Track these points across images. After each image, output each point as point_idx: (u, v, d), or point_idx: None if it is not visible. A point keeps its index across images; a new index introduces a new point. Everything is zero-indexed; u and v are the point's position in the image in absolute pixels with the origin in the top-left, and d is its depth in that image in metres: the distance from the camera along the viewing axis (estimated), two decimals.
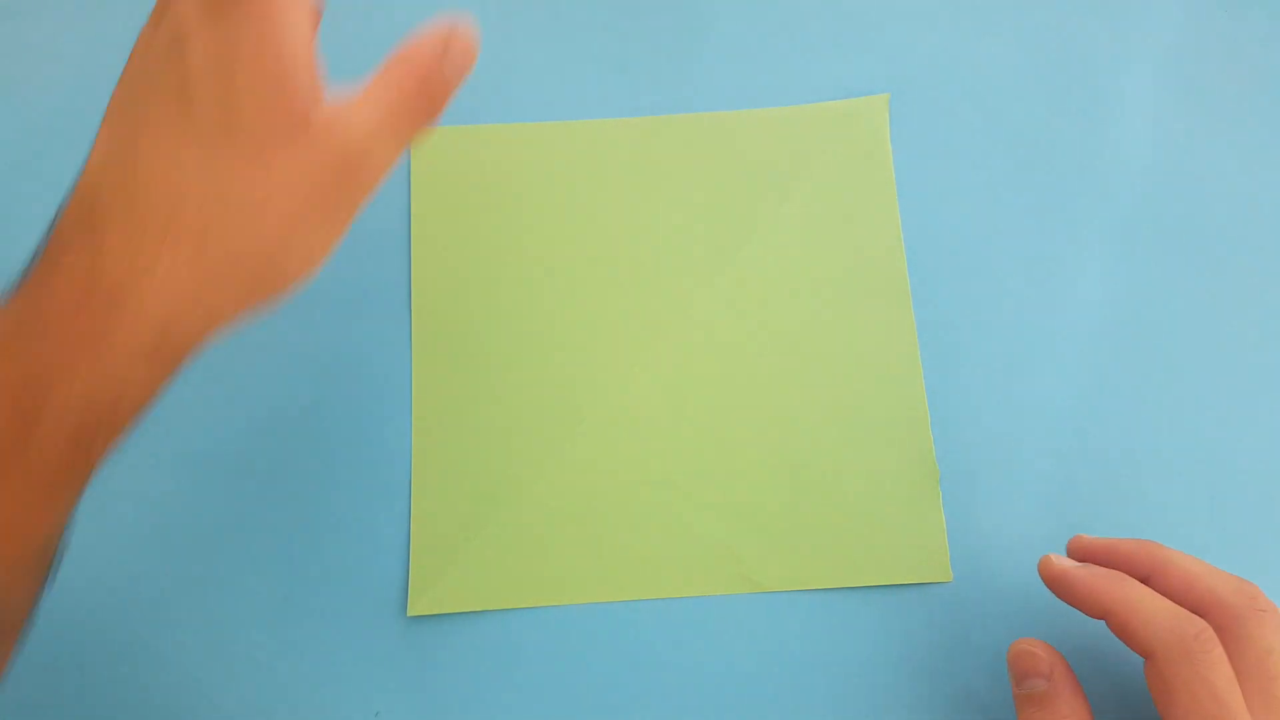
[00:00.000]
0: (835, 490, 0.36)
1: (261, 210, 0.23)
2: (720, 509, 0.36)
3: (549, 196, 0.40)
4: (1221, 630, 0.28)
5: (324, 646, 0.35)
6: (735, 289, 0.39)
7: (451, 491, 0.36)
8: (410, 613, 0.35)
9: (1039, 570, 0.31)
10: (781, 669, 0.35)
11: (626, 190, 0.40)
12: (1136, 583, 0.29)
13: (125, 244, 0.22)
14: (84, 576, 0.36)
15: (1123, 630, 0.29)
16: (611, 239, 0.39)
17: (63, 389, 0.21)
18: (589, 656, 0.35)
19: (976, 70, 0.42)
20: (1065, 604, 0.31)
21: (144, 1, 0.43)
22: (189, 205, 0.23)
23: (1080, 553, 0.32)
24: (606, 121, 0.41)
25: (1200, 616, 0.28)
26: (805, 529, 0.36)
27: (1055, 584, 0.31)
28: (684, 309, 0.38)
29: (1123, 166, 0.40)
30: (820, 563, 0.36)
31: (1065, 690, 0.29)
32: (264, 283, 0.24)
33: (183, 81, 0.23)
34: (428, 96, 0.26)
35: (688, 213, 0.40)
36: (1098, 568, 0.30)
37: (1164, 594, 0.29)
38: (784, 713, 0.34)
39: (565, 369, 0.38)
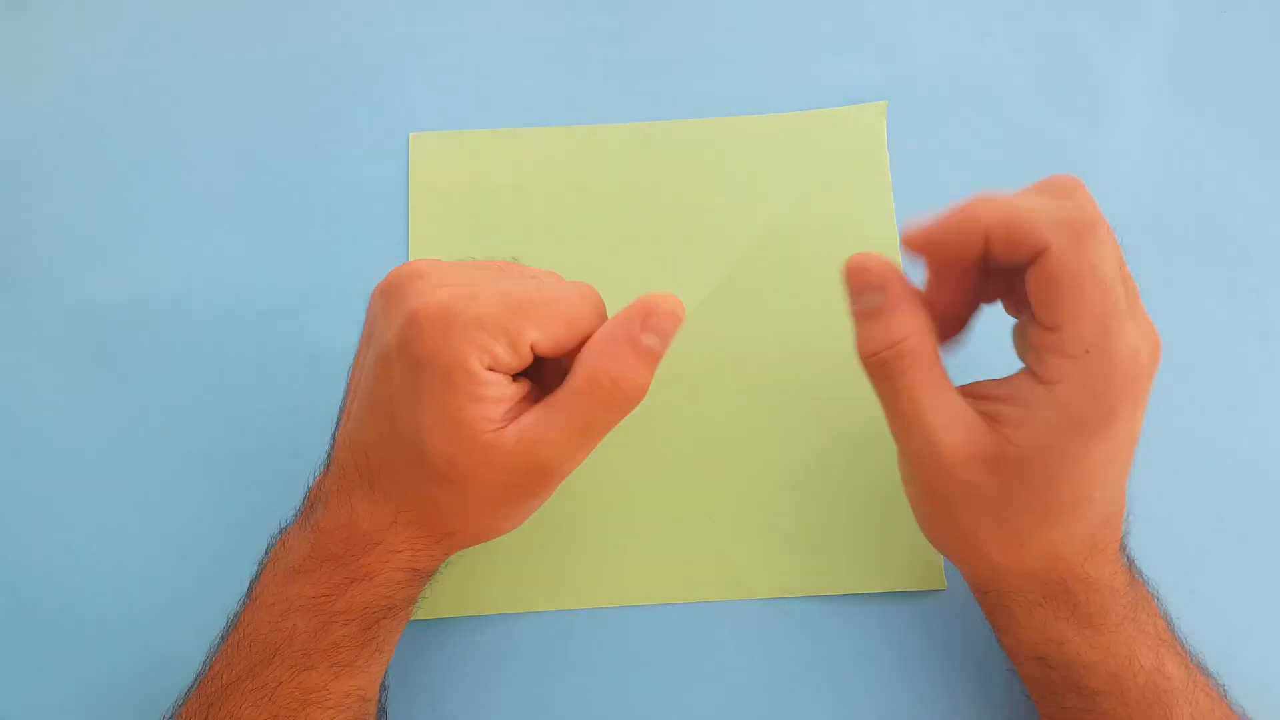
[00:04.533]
0: (830, 498, 0.36)
1: (464, 510, 0.28)
2: (715, 516, 0.36)
3: (546, 202, 0.40)
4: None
5: None
6: (732, 295, 0.39)
7: None
8: (410, 617, 0.35)
9: (904, 243, 0.27)
10: (776, 675, 0.35)
11: (624, 196, 0.40)
12: (1002, 191, 0.27)
13: (370, 513, 0.28)
14: (84, 576, 0.36)
15: (1009, 238, 0.25)
16: (608, 244, 0.39)
17: (347, 600, 0.28)
18: (585, 661, 0.35)
19: (974, 74, 0.42)
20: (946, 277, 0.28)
21: (144, 1, 0.43)
22: (409, 504, 0.28)
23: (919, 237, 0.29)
24: (604, 127, 0.41)
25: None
26: (800, 536, 0.36)
27: (924, 242, 0.27)
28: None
29: (1120, 168, 0.41)
30: (815, 570, 0.36)
31: (905, 303, 0.27)
32: (478, 540, 0.30)
33: (390, 404, 0.27)
34: (614, 410, 0.27)
35: (684, 219, 0.40)
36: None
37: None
38: (778, 719, 0.34)
39: None
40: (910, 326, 0.27)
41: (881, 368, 0.27)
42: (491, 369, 0.26)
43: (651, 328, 0.27)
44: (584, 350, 0.27)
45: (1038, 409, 0.26)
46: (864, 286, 0.27)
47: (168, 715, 0.29)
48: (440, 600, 0.35)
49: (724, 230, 0.40)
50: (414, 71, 0.42)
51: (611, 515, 0.36)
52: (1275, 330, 0.38)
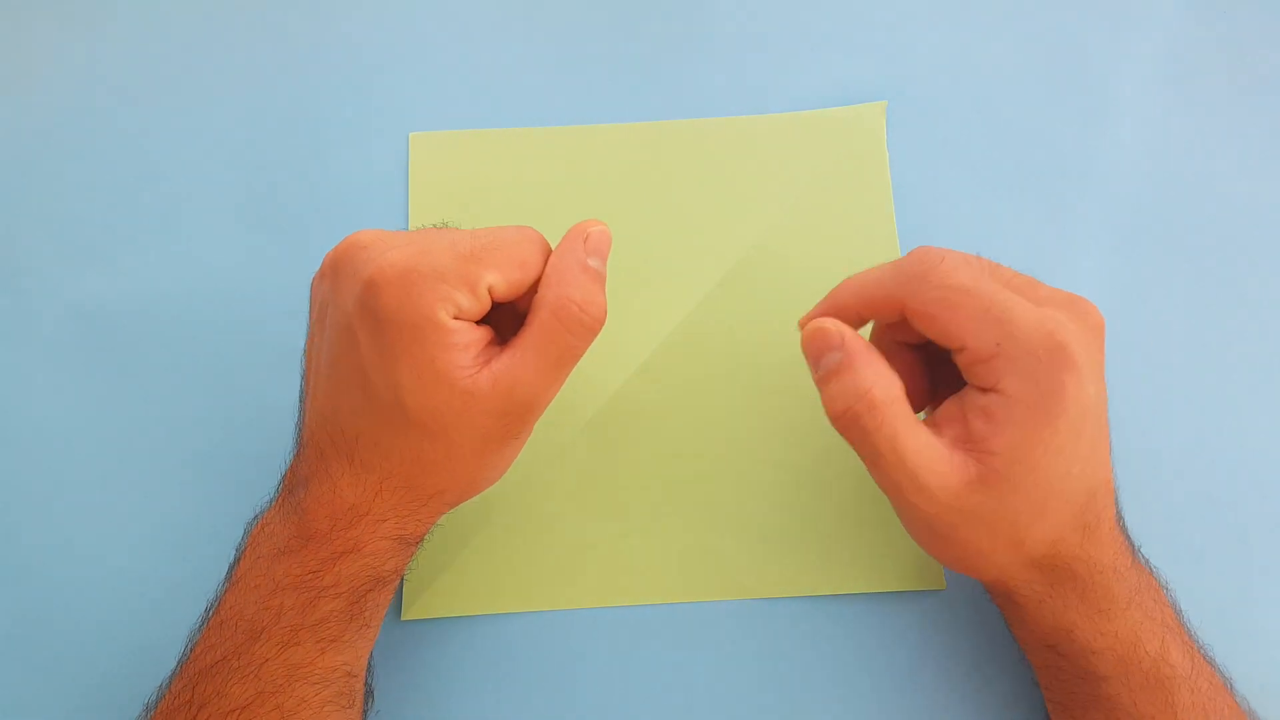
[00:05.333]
0: (829, 498, 0.36)
1: (449, 463, 0.29)
2: (715, 516, 0.36)
3: (545, 201, 0.40)
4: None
5: None
6: (731, 295, 0.39)
7: None
8: (404, 616, 0.35)
9: (805, 349, 0.29)
10: (774, 675, 0.35)
11: (623, 196, 0.40)
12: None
13: (353, 485, 0.28)
14: (84, 576, 0.36)
15: (873, 307, 0.29)
16: None
17: (334, 573, 0.28)
18: (581, 661, 0.35)
19: (974, 74, 0.42)
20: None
21: (144, 2, 0.44)
22: (393, 467, 0.28)
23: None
24: (603, 127, 0.41)
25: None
26: (800, 536, 0.36)
27: (815, 342, 0.29)
28: (680, 314, 0.39)
29: (1120, 169, 0.40)
30: (814, 570, 0.36)
31: (865, 355, 0.28)
32: (464, 495, 0.31)
33: (360, 373, 0.28)
34: (583, 336, 0.28)
35: (684, 219, 0.40)
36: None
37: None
38: (778, 719, 0.34)
39: None
40: (874, 376, 0.27)
41: (856, 422, 0.27)
42: (457, 318, 0.27)
43: (592, 251, 0.29)
44: (542, 286, 0.28)
45: (998, 413, 0.27)
46: (823, 348, 0.28)
47: (151, 700, 0.29)
48: (438, 600, 0.35)
49: (724, 230, 0.40)
50: (414, 71, 0.42)
51: (611, 515, 0.36)
52: (1275, 330, 0.38)
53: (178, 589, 0.35)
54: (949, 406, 0.28)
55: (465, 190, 0.40)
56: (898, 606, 0.35)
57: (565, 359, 0.28)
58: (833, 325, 0.28)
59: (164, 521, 0.37)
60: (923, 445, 0.27)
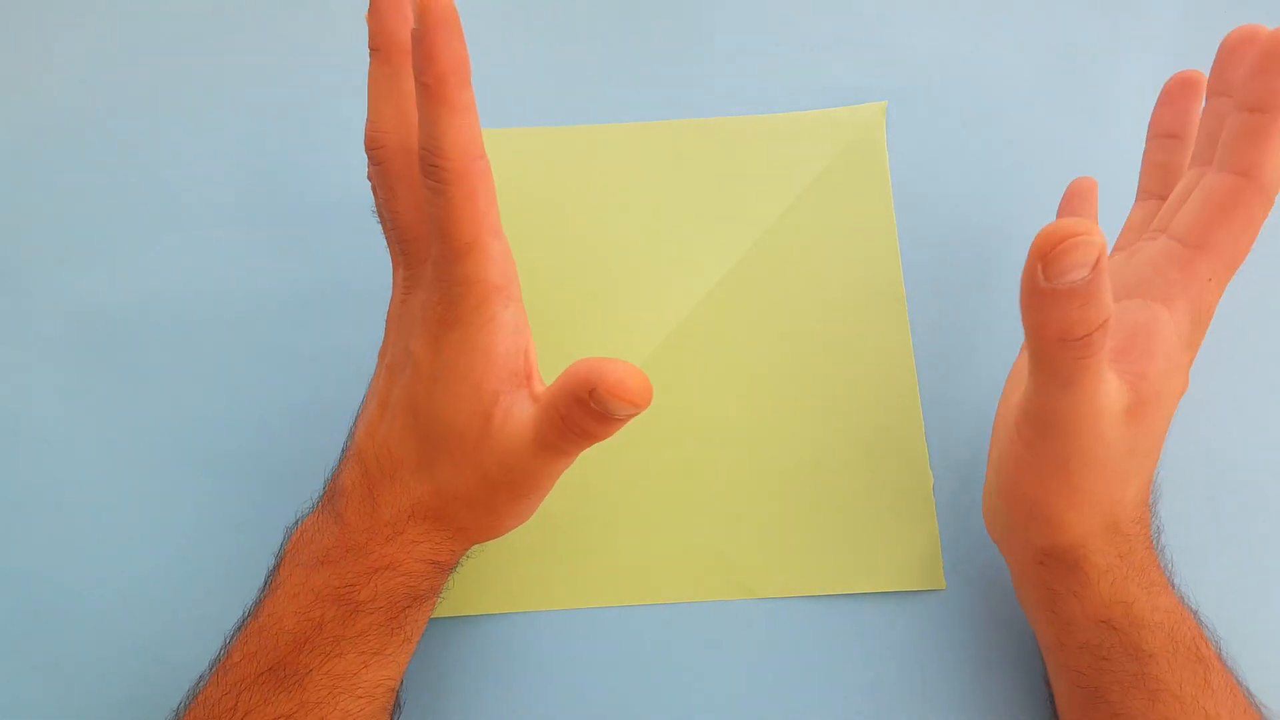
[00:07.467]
0: (830, 497, 0.36)
1: (474, 500, 0.29)
2: (715, 516, 0.36)
3: (546, 201, 0.40)
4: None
5: None
6: (732, 295, 0.39)
7: None
8: None
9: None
10: (776, 675, 0.35)
11: (624, 196, 0.40)
12: None
13: (391, 504, 0.29)
14: (84, 576, 0.36)
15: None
16: (609, 245, 0.39)
17: (371, 589, 0.28)
18: (586, 661, 0.35)
19: (974, 74, 0.42)
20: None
21: (144, 2, 0.43)
22: (433, 496, 0.29)
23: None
24: (604, 127, 0.41)
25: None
26: (800, 536, 0.36)
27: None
28: (681, 314, 0.39)
29: (1121, 170, 0.40)
30: (815, 570, 0.36)
31: (1106, 277, 0.22)
32: (487, 535, 0.30)
33: (411, 395, 0.28)
34: (594, 433, 0.27)
35: (685, 219, 0.40)
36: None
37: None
38: (778, 718, 0.34)
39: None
40: (1110, 300, 0.23)
41: (1082, 348, 0.24)
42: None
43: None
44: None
45: (1160, 333, 0.27)
46: (1077, 261, 0.22)
47: (183, 704, 0.29)
48: (441, 600, 0.35)
49: (724, 229, 0.40)
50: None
51: (612, 515, 0.36)
52: (1275, 329, 0.38)
53: (177, 589, 0.36)
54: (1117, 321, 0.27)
55: None
56: (898, 606, 0.35)
57: (577, 442, 0.27)
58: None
59: (164, 522, 0.36)
60: (1107, 372, 0.25)
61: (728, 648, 0.35)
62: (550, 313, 0.39)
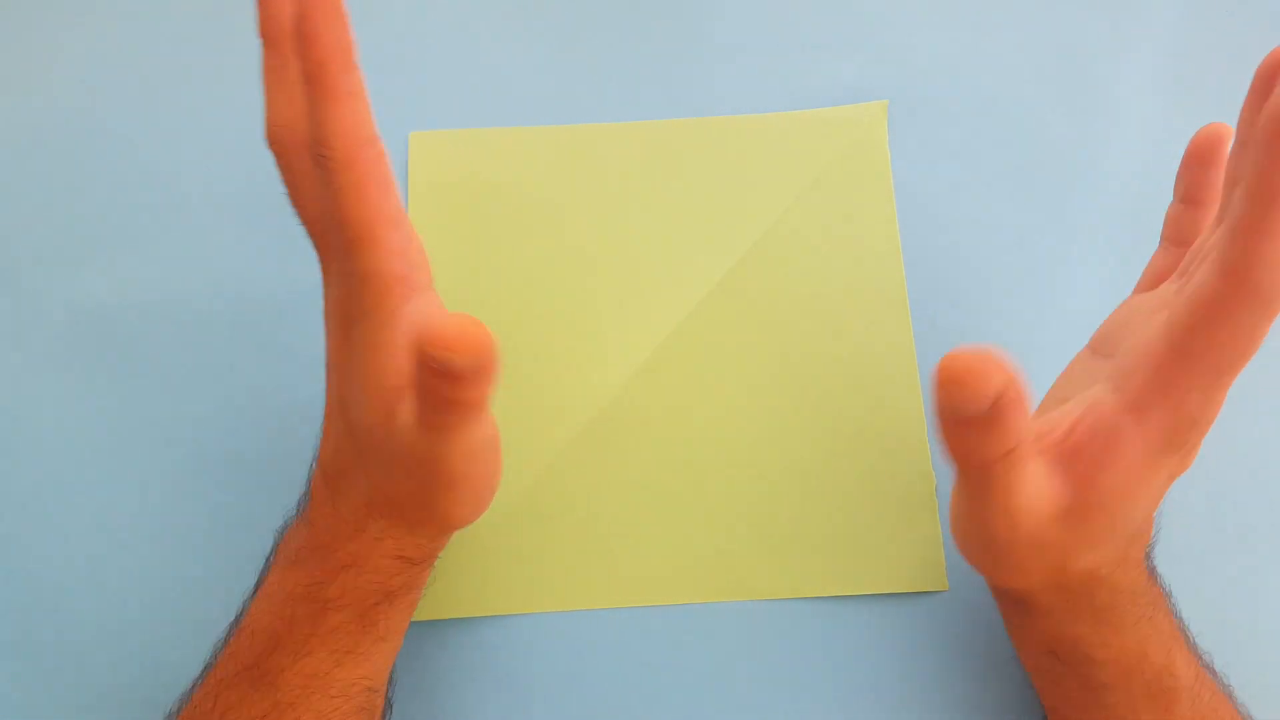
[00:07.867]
0: (832, 498, 0.36)
1: (408, 494, 0.28)
2: (716, 516, 0.36)
3: (546, 201, 0.40)
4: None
5: None
6: (733, 295, 0.39)
7: None
8: None
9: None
10: (777, 676, 0.35)
11: (624, 195, 0.40)
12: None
13: (347, 502, 0.28)
14: (84, 576, 0.36)
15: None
16: (609, 244, 0.39)
17: (338, 586, 0.28)
18: (585, 662, 0.35)
19: (975, 74, 0.42)
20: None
21: (145, 2, 0.43)
22: (379, 494, 0.28)
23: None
24: (604, 126, 0.41)
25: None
26: (801, 537, 0.36)
27: None
28: (681, 314, 0.39)
29: (1122, 171, 0.40)
30: (816, 571, 0.36)
31: (1021, 401, 0.21)
32: (443, 527, 0.30)
33: (339, 398, 0.28)
34: (451, 396, 0.24)
35: (685, 218, 0.40)
36: None
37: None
38: (778, 719, 0.34)
39: (562, 375, 0.38)
40: (1024, 423, 0.22)
41: (992, 468, 0.23)
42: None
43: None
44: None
45: (1128, 442, 0.24)
46: (972, 395, 0.21)
47: (174, 709, 0.29)
48: (439, 601, 0.35)
49: (724, 229, 0.40)
50: (414, 71, 0.42)
51: (611, 516, 0.36)
52: (1275, 329, 0.38)
53: (177, 589, 0.36)
54: (1068, 414, 0.25)
55: (465, 190, 0.40)
56: (899, 607, 0.35)
57: (442, 418, 0.25)
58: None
59: (164, 522, 0.36)
60: (1030, 475, 0.24)
61: (729, 648, 0.35)
62: (550, 313, 0.38)
